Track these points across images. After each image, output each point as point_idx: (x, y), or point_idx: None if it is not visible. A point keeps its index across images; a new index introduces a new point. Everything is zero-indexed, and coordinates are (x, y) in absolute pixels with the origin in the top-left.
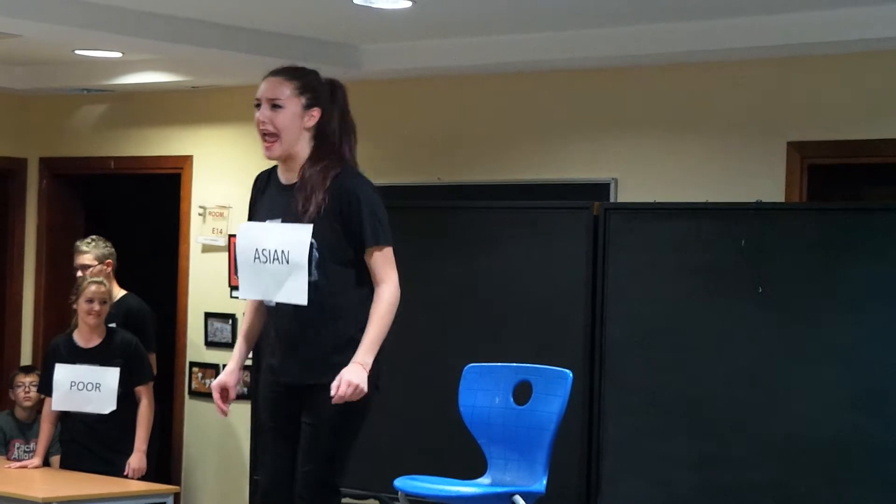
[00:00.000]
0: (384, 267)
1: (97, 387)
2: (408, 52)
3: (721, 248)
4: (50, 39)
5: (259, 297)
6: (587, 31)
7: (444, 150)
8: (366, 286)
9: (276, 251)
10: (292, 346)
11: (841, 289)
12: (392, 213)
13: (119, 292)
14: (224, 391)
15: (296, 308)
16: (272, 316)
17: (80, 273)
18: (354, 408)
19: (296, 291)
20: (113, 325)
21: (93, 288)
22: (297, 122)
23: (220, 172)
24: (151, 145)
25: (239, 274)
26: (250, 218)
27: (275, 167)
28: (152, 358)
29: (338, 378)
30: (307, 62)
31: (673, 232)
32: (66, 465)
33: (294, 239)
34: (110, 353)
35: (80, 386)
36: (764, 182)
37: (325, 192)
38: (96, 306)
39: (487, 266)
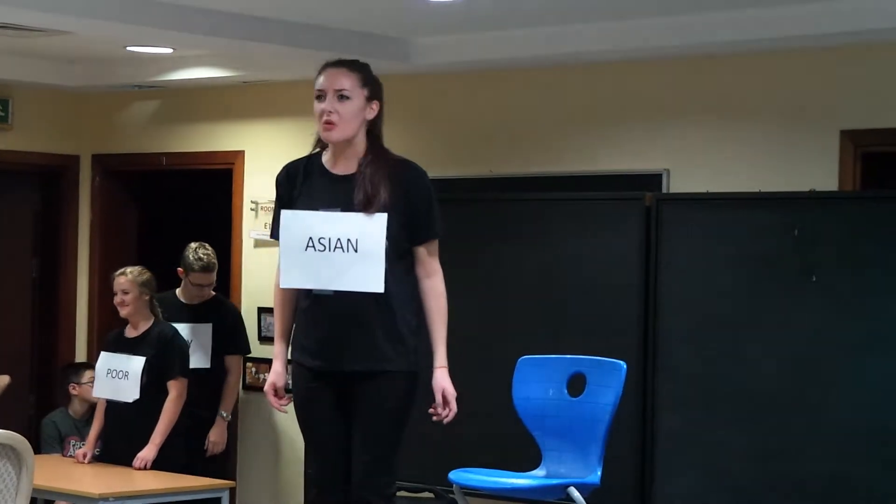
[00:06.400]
0: (435, 259)
1: (125, 375)
2: (458, 45)
3: (775, 237)
4: (101, 36)
5: (310, 286)
6: (639, 22)
7: (495, 143)
8: (413, 275)
9: (340, 240)
10: (346, 335)
11: None
12: (444, 206)
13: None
14: (277, 392)
15: (354, 296)
16: (320, 306)
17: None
18: (409, 394)
19: (370, 279)
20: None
21: (115, 281)
22: (361, 113)
23: (271, 167)
24: (203, 141)
25: (283, 262)
26: (287, 206)
27: (310, 157)
28: (238, 359)
29: (439, 393)
30: (358, 56)
31: (726, 222)
32: (102, 456)
33: (365, 229)
34: (144, 344)
35: (114, 374)
36: (817, 171)
37: (390, 184)
38: (119, 297)
39: (540, 258)
